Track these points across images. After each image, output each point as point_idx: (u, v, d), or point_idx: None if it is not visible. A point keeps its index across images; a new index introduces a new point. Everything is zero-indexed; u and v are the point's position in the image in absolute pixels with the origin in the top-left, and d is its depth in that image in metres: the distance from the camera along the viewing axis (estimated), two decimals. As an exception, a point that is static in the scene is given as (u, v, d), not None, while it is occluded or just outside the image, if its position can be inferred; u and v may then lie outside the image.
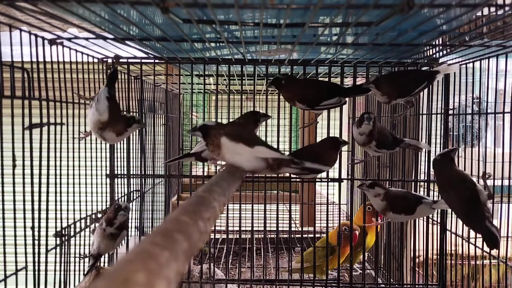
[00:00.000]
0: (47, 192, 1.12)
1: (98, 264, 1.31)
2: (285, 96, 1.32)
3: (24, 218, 1.04)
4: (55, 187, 1.18)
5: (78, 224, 1.32)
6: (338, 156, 1.35)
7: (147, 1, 0.76)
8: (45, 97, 1.11)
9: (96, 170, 1.44)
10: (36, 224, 1.08)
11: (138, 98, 1.62)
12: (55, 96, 1.17)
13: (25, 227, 1.05)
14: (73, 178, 1.30)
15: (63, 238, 1.24)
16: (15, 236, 1.01)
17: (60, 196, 1.20)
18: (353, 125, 1.32)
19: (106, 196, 1.51)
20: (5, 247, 0.96)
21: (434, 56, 1.41)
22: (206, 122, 1.02)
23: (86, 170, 1.38)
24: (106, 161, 1.50)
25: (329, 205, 1.54)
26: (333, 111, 1.42)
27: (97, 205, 1.45)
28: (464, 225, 1.17)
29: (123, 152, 1.55)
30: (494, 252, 1.29)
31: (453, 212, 1.48)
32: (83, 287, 1.24)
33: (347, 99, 1.38)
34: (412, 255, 1.61)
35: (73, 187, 1.30)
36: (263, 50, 1.29)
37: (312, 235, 1.91)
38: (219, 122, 1.05)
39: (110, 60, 1.45)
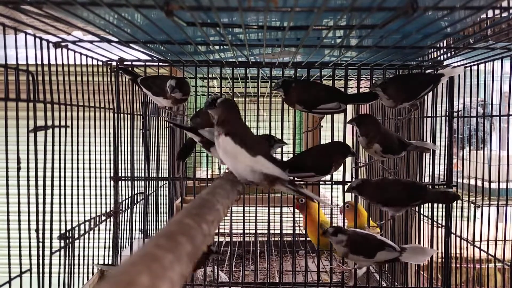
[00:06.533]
0: (52, 195, 1.12)
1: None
2: (286, 97, 1.32)
3: (29, 221, 1.04)
4: (60, 189, 1.18)
5: (82, 227, 1.32)
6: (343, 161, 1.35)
7: (151, 4, 0.76)
8: (50, 100, 1.12)
9: (100, 172, 1.44)
10: (40, 227, 1.08)
11: (142, 100, 1.62)
12: (60, 98, 1.18)
13: (29, 229, 1.05)
14: (77, 181, 1.30)
15: (67, 241, 1.24)
16: (20, 238, 1.02)
17: (65, 198, 1.21)
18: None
19: (110, 198, 1.52)
20: (10, 249, 0.96)
21: (439, 58, 1.41)
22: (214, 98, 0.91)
23: (90, 172, 1.38)
24: (110, 163, 1.50)
25: (333, 208, 1.54)
26: (337, 114, 1.41)
27: (101, 207, 1.45)
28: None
29: (127, 155, 1.55)
30: (499, 255, 1.28)
31: (457, 215, 1.48)
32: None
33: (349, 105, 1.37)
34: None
35: (77, 189, 1.31)
36: (267, 53, 1.29)
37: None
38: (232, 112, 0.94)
39: (114, 63, 1.46)
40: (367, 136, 1.28)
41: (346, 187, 1.33)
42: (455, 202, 1.33)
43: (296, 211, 1.83)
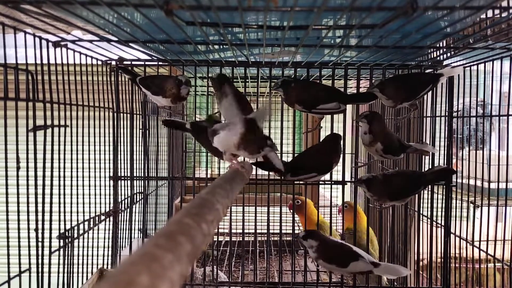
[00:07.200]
0: (51, 194, 1.12)
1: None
2: (285, 97, 1.32)
3: (28, 220, 1.04)
4: (59, 189, 1.18)
5: (81, 226, 1.32)
6: (341, 156, 1.36)
7: (151, 4, 0.76)
8: (49, 99, 1.12)
9: (100, 172, 1.44)
10: (39, 226, 1.08)
11: (142, 100, 1.62)
12: (59, 98, 1.17)
13: (28, 228, 1.05)
14: (77, 180, 1.30)
15: (67, 240, 1.24)
16: (19, 237, 1.01)
17: (64, 198, 1.21)
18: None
19: (110, 198, 1.51)
20: (9, 248, 0.96)
21: (438, 58, 1.41)
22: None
23: (89, 172, 1.38)
24: (109, 163, 1.50)
25: (332, 208, 1.54)
26: (337, 114, 1.41)
27: (100, 207, 1.45)
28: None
29: (127, 154, 1.55)
30: (498, 255, 1.29)
31: (456, 215, 1.48)
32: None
33: (349, 105, 1.38)
34: (416, 258, 1.60)
35: (77, 189, 1.31)
36: (266, 53, 1.29)
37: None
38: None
39: (113, 63, 1.46)
40: (374, 134, 1.28)
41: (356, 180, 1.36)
42: (455, 202, 1.33)
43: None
